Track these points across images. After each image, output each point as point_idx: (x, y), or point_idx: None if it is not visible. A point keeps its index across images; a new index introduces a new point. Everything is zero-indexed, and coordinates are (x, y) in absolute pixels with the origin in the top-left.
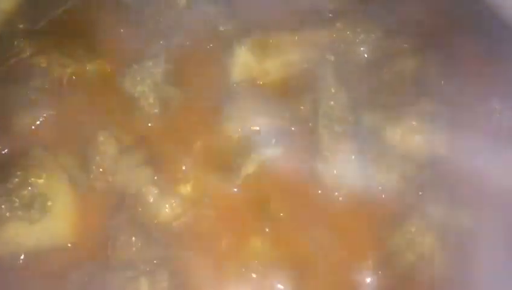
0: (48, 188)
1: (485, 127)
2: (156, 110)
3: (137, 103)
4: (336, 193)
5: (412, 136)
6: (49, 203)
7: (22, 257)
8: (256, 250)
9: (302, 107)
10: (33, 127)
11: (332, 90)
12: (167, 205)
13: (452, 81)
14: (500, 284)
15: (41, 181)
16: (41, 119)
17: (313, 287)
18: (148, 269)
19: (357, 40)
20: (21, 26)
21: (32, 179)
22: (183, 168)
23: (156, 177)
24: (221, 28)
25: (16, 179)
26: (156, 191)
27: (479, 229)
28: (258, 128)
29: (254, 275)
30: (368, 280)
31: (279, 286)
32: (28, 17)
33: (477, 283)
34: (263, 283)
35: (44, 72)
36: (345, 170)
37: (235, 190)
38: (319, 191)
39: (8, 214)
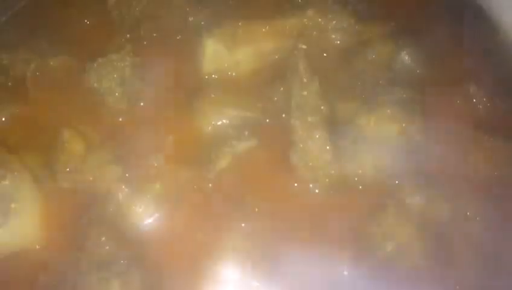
0: (13, 189)
1: (462, 113)
2: (124, 106)
3: (103, 98)
4: (311, 185)
5: (388, 124)
6: (15, 205)
7: None
8: (231, 246)
9: (275, 98)
10: None
11: (305, 80)
12: (139, 203)
13: (427, 68)
14: (480, 272)
15: (5, 182)
16: (3, 118)
17: (289, 283)
18: (120, 269)
19: (329, 28)
20: None
21: None
22: (155, 164)
23: (126, 175)
24: (190, 19)
25: None
26: (126, 189)
27: (458, 218)
28: (230, 120)
29: (230, 273)
30: (346, 272)
31: (256, 283)
32: None
33: (457, 273)
34: (239, 281)
35: (6, 68)
36: (320, 160)
37: (209, 185)
38: (295, 184)
39: None
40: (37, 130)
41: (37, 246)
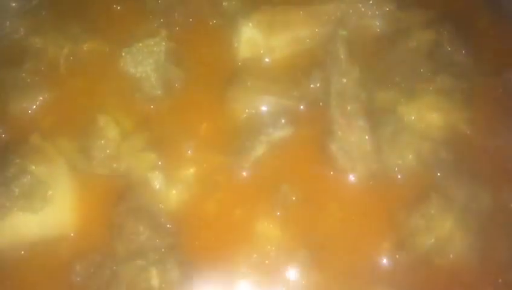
0: (48, 175)
1: (504, 102)
2: (159, 92)
3: (138, 84)
4: (350, 174)
5: (429, 113)
6: (50, 192)
7: (24, 248)
8: (267, 235)
9: (312, 86)
10: (30, 111)
11: (344, 67)
12: (173, 191)
13: (468, 56)
14: None
15: (41, 168)
16: (38, 103)
17: (325, 272)
18: (157, 257)
19: (370, 13)
20: (13, 4)
21: (32, 166)
22: (189, 151)
23: (160, 162)
24: (225, 4)
25: (15, 167)
26: (161, 177)
27: (501, 209)
28: (266, 108)
29: (265, 261)
30: (384, 260)
31: (291, 271)
32: None
33: (498, 266)
34: (274, 269)
35: (39, 53)
36: (358, 150)
37: (244, 173)
38: (332, 173)
39: (8, 203)
40: (70, 115)
41: (72, 234)
